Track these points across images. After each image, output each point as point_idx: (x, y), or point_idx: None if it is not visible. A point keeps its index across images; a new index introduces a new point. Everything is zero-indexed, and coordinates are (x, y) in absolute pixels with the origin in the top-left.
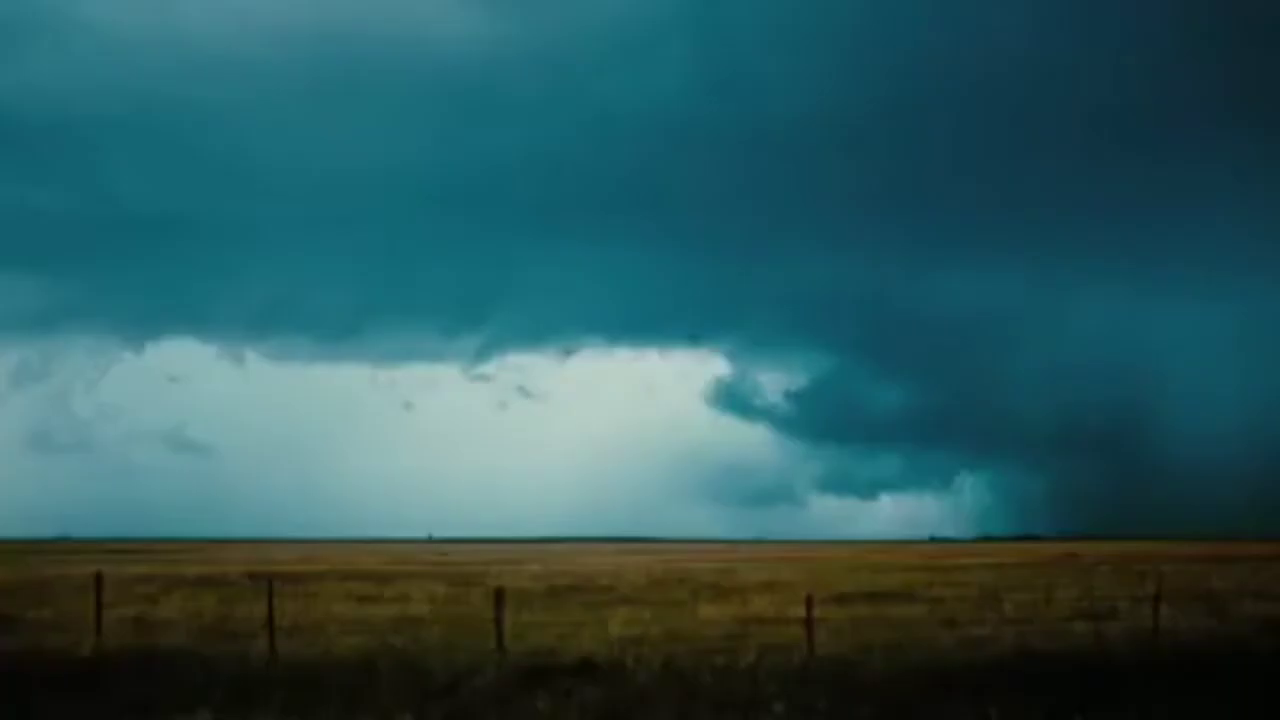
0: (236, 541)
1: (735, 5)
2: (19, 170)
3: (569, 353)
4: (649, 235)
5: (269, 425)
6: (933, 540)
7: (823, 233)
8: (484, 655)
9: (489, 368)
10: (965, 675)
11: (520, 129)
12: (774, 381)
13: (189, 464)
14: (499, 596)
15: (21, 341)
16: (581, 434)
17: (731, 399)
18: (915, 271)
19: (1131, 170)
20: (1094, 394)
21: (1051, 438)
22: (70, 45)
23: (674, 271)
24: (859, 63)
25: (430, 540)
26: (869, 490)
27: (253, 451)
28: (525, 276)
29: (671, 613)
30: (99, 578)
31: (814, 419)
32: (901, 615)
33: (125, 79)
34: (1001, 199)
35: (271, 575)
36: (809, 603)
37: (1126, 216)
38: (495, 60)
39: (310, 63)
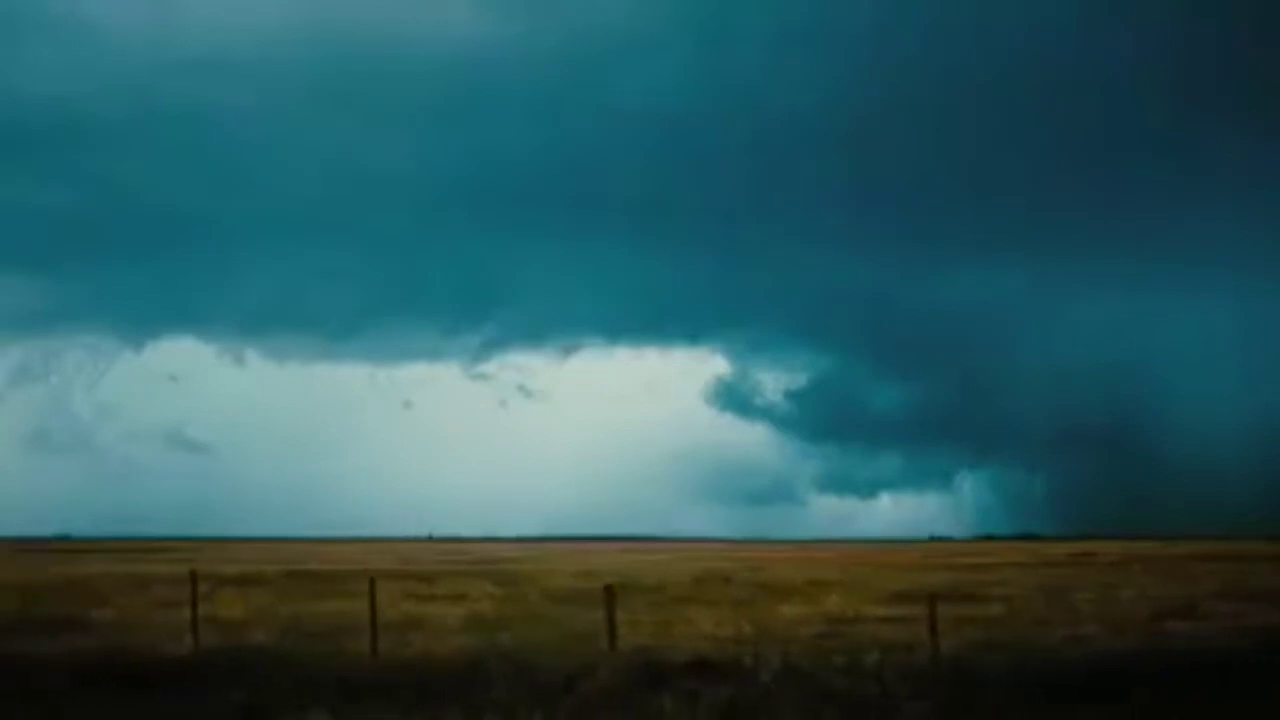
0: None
1: (737, 5)
2: (18, 170)
3: (569, 352)
4: (649, 234)
5: (269, 424)
6: (933, 539)
7: (823, 232)
8: (595, 655)
9: (489, 367)
10: (1100, 675)
11: (521, 128)
12: (774, 381)
13: (189, 463)
14: (609, 594)
15: (21, 341)
16: (581, 433)
17: (731, 398)
18: (915, 271)
19: (1132, 170)
20: (1094, 394)
21: (1052, 437)
22: (69, 45)
23: (674, 271)
24: (860, 63)
25: (431, 539)
26: (869, 489)
27: (253, 450)
28: (525, 275)
29: (748, 612)
30: (194, 576)
31: (814, 418)
32: (984, 615)
33: (125, 79)
34: (1001, 199)
35: (312, 574)
36: (931, 603)
37: (1126, 216)
38: (496, 60)
39: (310, 62)
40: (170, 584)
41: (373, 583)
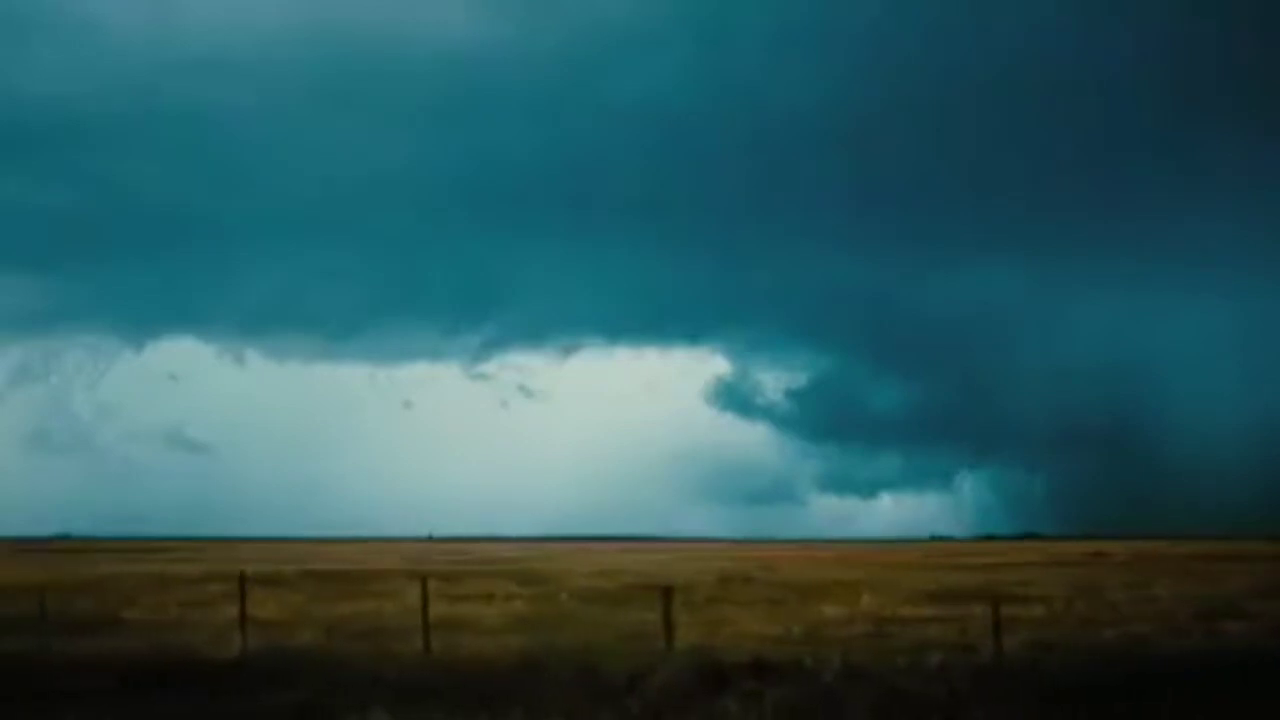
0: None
1: (736, 5)
2: (19, 169)
3: (569, 352)
4: (649, 234)
5: (269, 424)
6: (934, 539)
7: (823, 232)
8: (652, 655)
9: (489, 367)
10: (1167, 676)
11: (521, 129)
12: (774, 380)
13: (189, 463)
14: (667, 595)
15: (21, 341)
16: (582, 433)
17: (732, 398)
18: (915, 271)
19: (1132, 170)
20: (1094, 394)
21: (1052, 437)
22: (70, 44)
23: (674, 271)
24: (860, 63)
25: (431, 539)
26: (869, 489)
27: (253, 450)
28: (525, 275)
29: (788, 612)
30: (242, 577)
31: (814, 418)
32: (1029, 616)
33: (126, 79)
34: (1001, 199)
35: (331, 574)
36: (995, 604)
37: (1126, 216)
38: (496, 61)
39: (309, 62)
40: (189, 584)
41: (424, 582)
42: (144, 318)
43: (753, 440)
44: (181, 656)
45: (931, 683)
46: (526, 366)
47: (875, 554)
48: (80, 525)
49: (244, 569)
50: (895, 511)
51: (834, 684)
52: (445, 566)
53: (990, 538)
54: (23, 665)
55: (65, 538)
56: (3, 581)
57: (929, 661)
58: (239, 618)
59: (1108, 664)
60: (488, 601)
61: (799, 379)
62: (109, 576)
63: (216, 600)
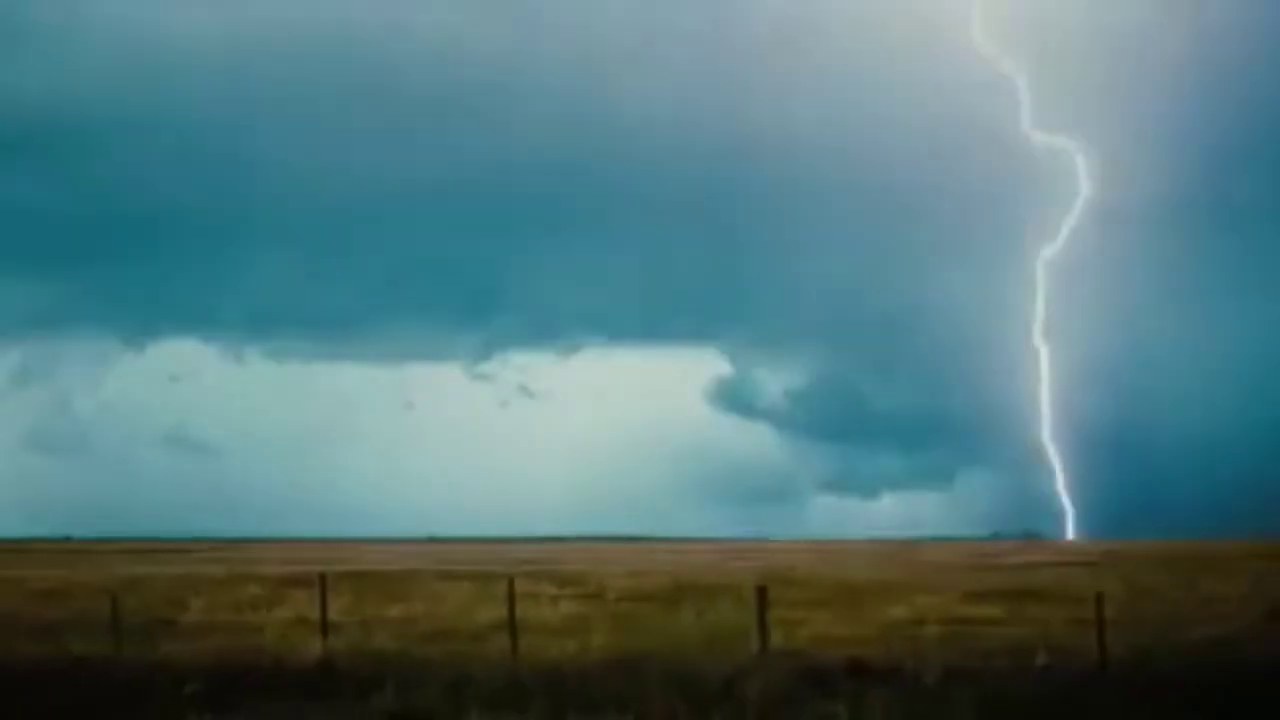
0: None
1: (735, 5)
2: (18, 170)
3: (571, 352)
4: (650, 234)
5: (270, 425)
6: (936, 539)
7: (824, 230)
8: (742, 657)
9: (490, 367)
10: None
11: (521, 128)
12: (775, 380)
13: (190, 464)
14: (762, 595)
15: (22, 342)
16: (583, 433)
17: (733, 398)
18: (917, 269)
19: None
20: (1096, 392)
21: (1052, 437)
22: (70, 44)
23: (675, 270)
24: (859, 63)
25: (432, 540)
26: (870, 489)
27: (254, 451)
28: (526, 276)
29: (853, 613)
30: (322, 579)
31: (815, 418)
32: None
33: (125, 78)
34: (1002, 198)
35: (364, 575)
36: (1099, 603)
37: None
38: (495, 60)
39: (309, 63)
40: (223, 585)
41: (511, 583)
42: (145, 319)
43: (754, 440)
44: (264, 661)
45: (1040, 684)
46: (528, 366)
47: (896, 553)
48: (81, 526)
49: (283, 570)
50: (896, 511)
51: (938, 686)
52: (468, 567)
53: (994, 537)
54: (105, 671)
55: (67, 539)
56: (34, 585)
57: (1033, 663)
58: (319, 620)
59: (1217, 665)
60: (536, 602)
61: (800, 379)
62: (137, 579)
63: (262, 603)
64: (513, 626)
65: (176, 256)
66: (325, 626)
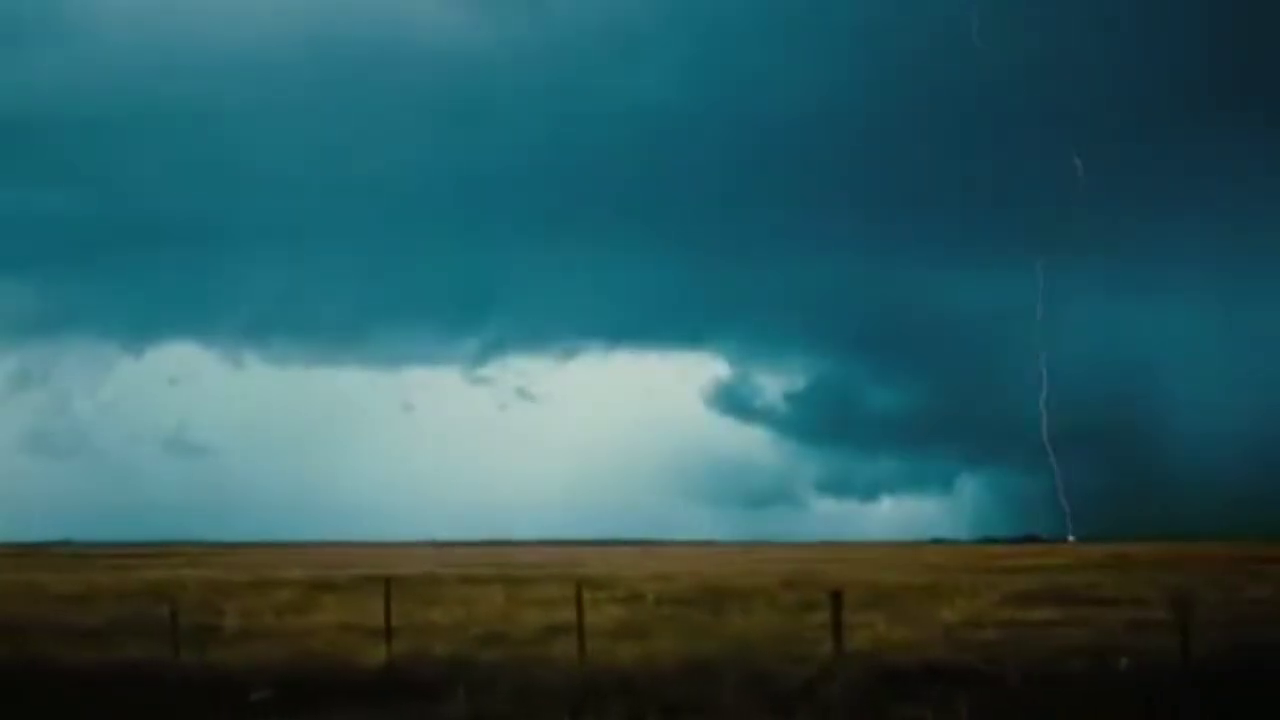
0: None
1: (734, 4)
2: (18, 173)
3: (569, 355)
4: (648, 237)
5: (269, 428)
6: (934, 542)
7: (822, 233)
8: (816, 660)
9: (489, 370)
10: None
11: (520, 130)
12: (774, 383)
13: (189, 467)
14: (836, 599)
15: (21, 345)
16: (581, 436)
17: (731, 401)
18: (915, 272)
19: (1131, 169)
20: (1094, 394)
21: (1052, 438)
22: (68, 47)
23: (674, 273)
24: (858, 62)
25: (431, 543)
26: (869, 492)
27: (253, 455)
28: (525, 279)
29: (906, 616)
30: (387, 583)
31: (814, 420)
32: (1146, 619)
33: (124, 82)
34: (1001, 199)
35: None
36: (1181, 605)
37: (1126, 217)
38: (494, 62)
39: (308, 65)
40: (252, 590)
41: (579, 588)
42: (144, 322)
43: (752, 443)
44: (329, 666)
45: (1126, 687)
46: (526, 370)
47: (904, 555)
48: (80, 530)
49: (310, 575)
50: (895, 514)
51: (1022, 689)
52: (483, 570)
53: (990, 540)
54: (166, 676)
55: (67, 543)
56: (57, 590)
57: (1114, 666)
58: (367, 625)
59: None
60: (570, 606)
61: (798, 381)
62: (161, 582)
63: (297, 607)
64: (580, 630)
65: (175, 261)
66: (389, 632)
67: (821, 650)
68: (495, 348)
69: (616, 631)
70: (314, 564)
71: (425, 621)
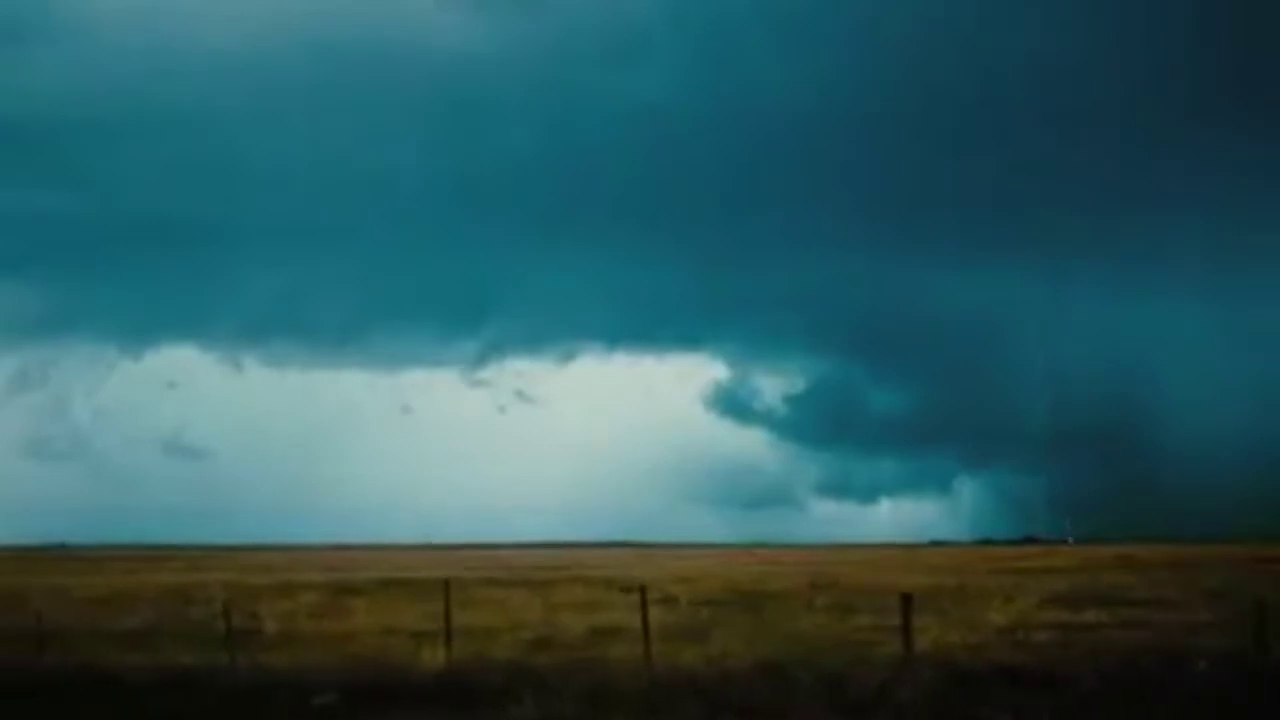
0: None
1: (733, 6)
2: (16, 175)
3: (568, 357)
4: (647, 239)
5: (267, 431)
6: (933, 544)
7: (821, 236)
8: (892, 662)
9: (487, 372)
10: None
11: (518, 133)
12: (772, 385)
13: (187, 471)
14: (907, 601)
15: (19, 348)
16: (580, 438)
17: (730, 403)
18: (913, 274)
19: (1130, 170)
20: (1093, 395)
21: (1050, 440)
22: (67, 50)
23: (672, 276)
24: (857, 66)
25: (429, 545)
26: (868, 494)
27: (251, 458)
28: (523, 281)
29: (954, 618)
30: (447, 586)
31: (812, 423)
32: (1196, 620)
33: (123, 84)
34: (999, 203)
35: (404, 583)
36: (1261, 609)
37: (1126, 217)
38: (492, 64)
39: (306, 68)
40: (280, 593)
41: (643, 591)
42: (142, 325)
43: (751, 445)
44: (387, 670)
45: (1206, 690)
46: (525, 372)
47: (912, 557)
48: (78, 533)
49: (333, 578)
50: (894, 516)
51: (1100, 692)
52: (498, 574)
53: (988, 542)
54: (223, 681)
55: (64, 546)
56: (80, 594)
57: (1190, 667)
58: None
59: None
60: (607, 610)
61: (797, 384)
62: (185, 586)
63: (329, 611)
64: (646, 632)
65: (174, 264)
66: (449, 635)
67: (884, 652)
68: (494, 350)
69: (668, 634)
70: (321, 567)
71: (464, 625)
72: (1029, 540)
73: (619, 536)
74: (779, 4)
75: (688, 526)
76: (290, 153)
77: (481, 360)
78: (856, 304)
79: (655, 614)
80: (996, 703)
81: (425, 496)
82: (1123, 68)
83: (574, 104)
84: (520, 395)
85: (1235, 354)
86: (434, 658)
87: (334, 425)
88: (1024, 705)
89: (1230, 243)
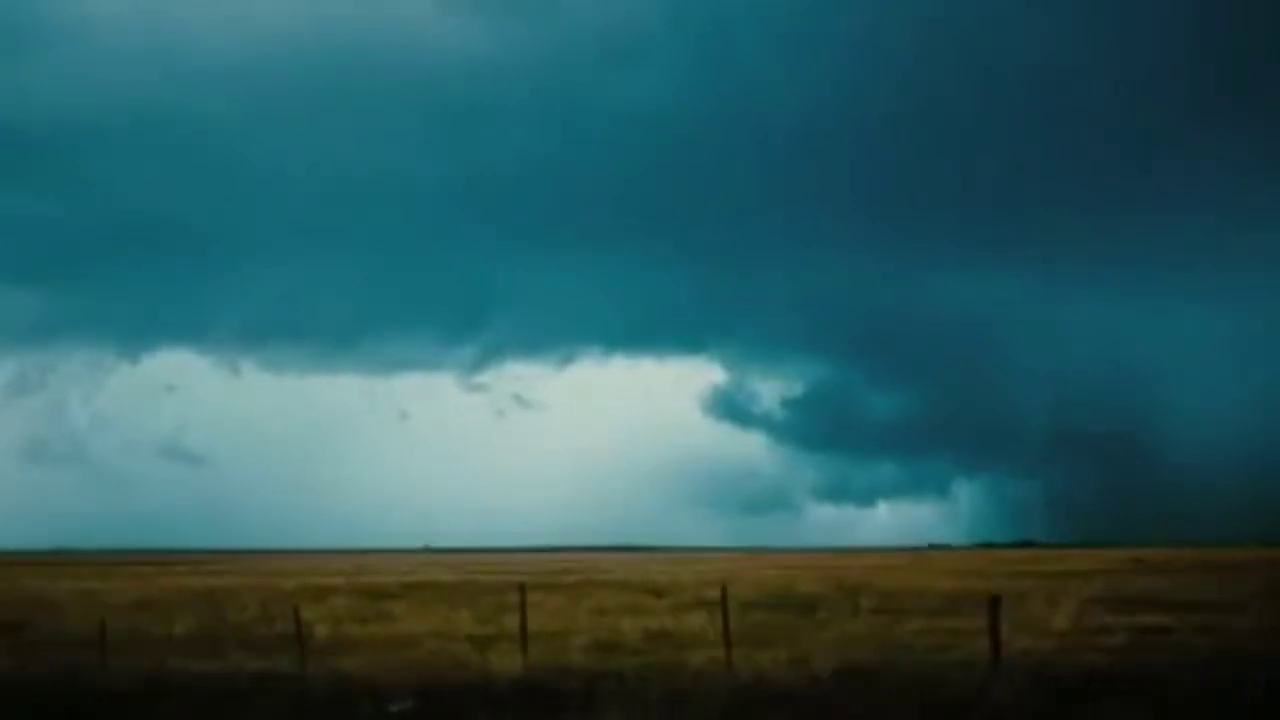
0: (237, 553)
1: (733, 10)
2: (16, 180)
3: (566, 361)
4: (646, 244)
5: (265, 435)
6: (932, 547)
7: (820, 240)
8: (979, 666)
9: (486, 377)
10: None
11: (518, 137)
12: (771, 389)
13: (185, 475)
14: (994, 605)
15: (18, 353)
16: (578, 443)
17: (728, 407)
18: (912, 278)
19: (1129, 172)
20: (1092, 398)
21: (1048, 443)
22: (66, 55)
23: (671, 279)
24: (856, 69)
25: (428, 550)
26: (866, 498)
27: (249, 462)
28: (522, 285)
29: (1014, 623)
30: (523, 589)
31: (811, 427)
32: (1259, 624)
33: (122, 89)
34: (999, 206)
35: (434, 586)
36: None
37: (1126, 219)
38: (492, 68)
39: (306, 73)
40: (307, 598)
41: (724, 591)
42: (140, 330)
43: (749, 449)
44: (462, 674)
45: None
46: (523, 376)
47: (920, 560)
48: (76, 537)
49: (360, 582)
50: (892, 519)
51: (1197, 700)
52: (526, 578)
53: (987, 545)
54: (292, 688)
55: (62, 551)
56: (112, 601)
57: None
58: (520, 634)
59: None
60: (650, 615)
61: (795, 388)
62: (214, 590)
63: (369, 615)
64: (726, 637)
65: (172, 268)
66: (525, 640)
67: (961, 655)
68: (492, 354)
69: (721, 639)
70: (331, 571)
71: (513, 630)
72: (1026, 544)
73: (618, 540)
74: (778, 7)
75: (686, 530)
76: (288, 157)
77: (479, 364)
78: (854, 307)
79: (701, 619)
80: (1090, 708)
81: (423, 500)
82: (1123, 68)
83: (572, 108)
84: (518, 399)
85: (1235, 355)
86: (505, 663)
87: (332, 429)
88: (1124, 710)
89: (1230, 243)
